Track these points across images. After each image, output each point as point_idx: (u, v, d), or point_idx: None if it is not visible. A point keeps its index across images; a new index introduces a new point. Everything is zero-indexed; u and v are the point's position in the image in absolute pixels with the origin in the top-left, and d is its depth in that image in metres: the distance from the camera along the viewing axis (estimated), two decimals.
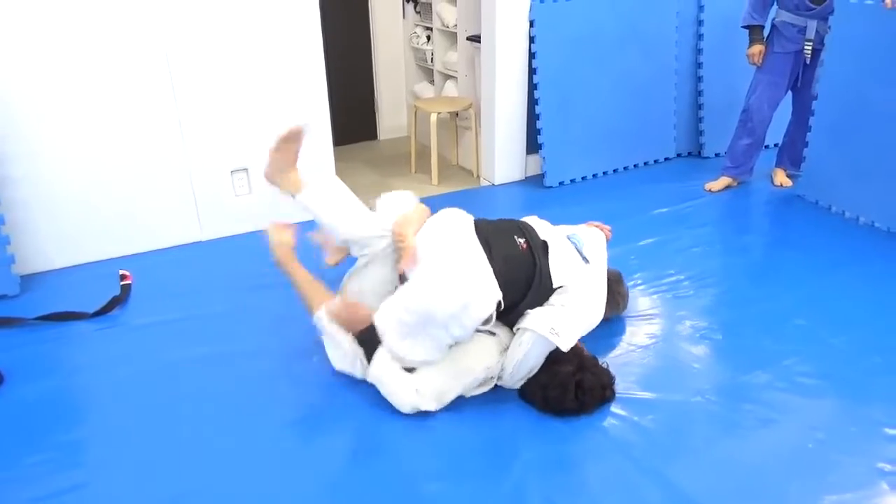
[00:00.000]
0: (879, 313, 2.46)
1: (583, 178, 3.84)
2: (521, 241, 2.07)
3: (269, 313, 2.55)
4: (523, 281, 1.99)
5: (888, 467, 1.75)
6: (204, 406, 2.05)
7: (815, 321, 2.42)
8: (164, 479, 1.77)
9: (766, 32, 3.44)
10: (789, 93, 3.54)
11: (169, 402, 2.07)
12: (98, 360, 2.29)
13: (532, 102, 3.63)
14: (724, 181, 3.64)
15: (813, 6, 3.21)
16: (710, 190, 3.62)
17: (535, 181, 3.83)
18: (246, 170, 3.15)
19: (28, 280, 2.79)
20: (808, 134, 3.38)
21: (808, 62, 3.36)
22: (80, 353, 2.35)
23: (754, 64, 3.43)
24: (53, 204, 2.82)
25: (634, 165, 4.01)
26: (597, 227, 2.40)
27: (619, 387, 2.04)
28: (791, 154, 3.66)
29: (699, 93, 4.03)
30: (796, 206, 3.45)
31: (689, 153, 4.21)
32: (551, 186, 3.73)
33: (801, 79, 3.42)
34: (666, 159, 4.11)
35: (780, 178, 3.70)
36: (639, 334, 2.37)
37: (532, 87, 3.60)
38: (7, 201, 2.70)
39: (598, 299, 2.11)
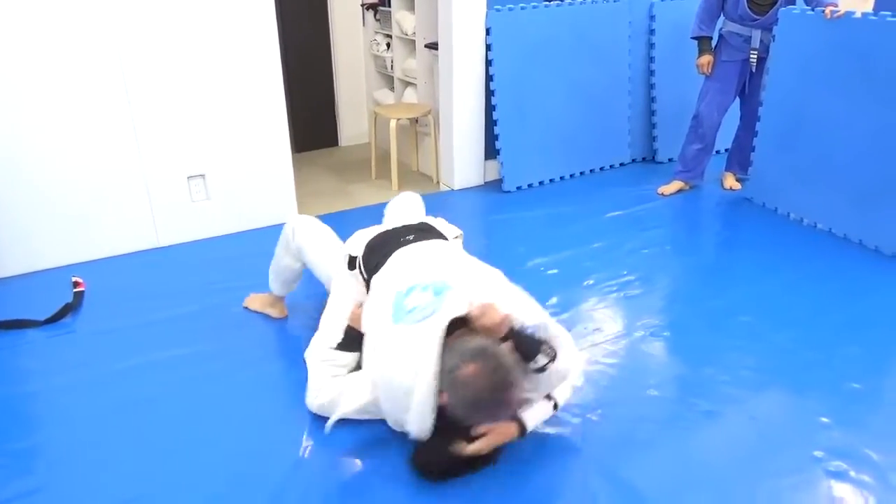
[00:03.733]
0: (819, 310, 2.57)
1: (540, 183, 3.91)
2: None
3: (225, 317, 2.55)
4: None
5: (821, 454, 1.84)
6: (159, 410, 2.05)
7: (759, 318, 2.52)
8: (118, 483, 1.76)
9: (714, 42, 3.56)
10: (737, 99, 3.66)
11: (123, 408, 2.06)
12: (50, 368, 2.26)
13: (490, 109, 3.70)
14: (676, 185, 3.75)
15: (757, 17, 3.34)
16: (662, 193, 3.72)
17: (493, 186, 3.89)
18: (203, 176, 3.14)
19: None
20: (755, 139, 3.51)
21: (753, 70, 3.49)
22: (31, 360, 2.31)
23: (703, 73, 3.55)
24: (4, 209, 2.77)
25: (591, 170, 4.10)
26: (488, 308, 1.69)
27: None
28: (739, 159, 3.79)
29: (652, 99, 4.15)
30: (744, 208, 3.57)
31: (644, 158, 4.32)
32: (509, 191, 3.80)
33: (748, 86, 3.55)
34: (621, 164, 4.21)
35: (730, 181, 3.83)
36: (588, 332, 2.42)
37: (489, 93, 3.66)
38: None
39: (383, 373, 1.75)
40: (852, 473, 1.77)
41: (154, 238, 3.12)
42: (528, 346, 1.64)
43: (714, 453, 1.86)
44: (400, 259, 1.98)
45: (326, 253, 2.28)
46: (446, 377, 1.58)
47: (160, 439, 1.92)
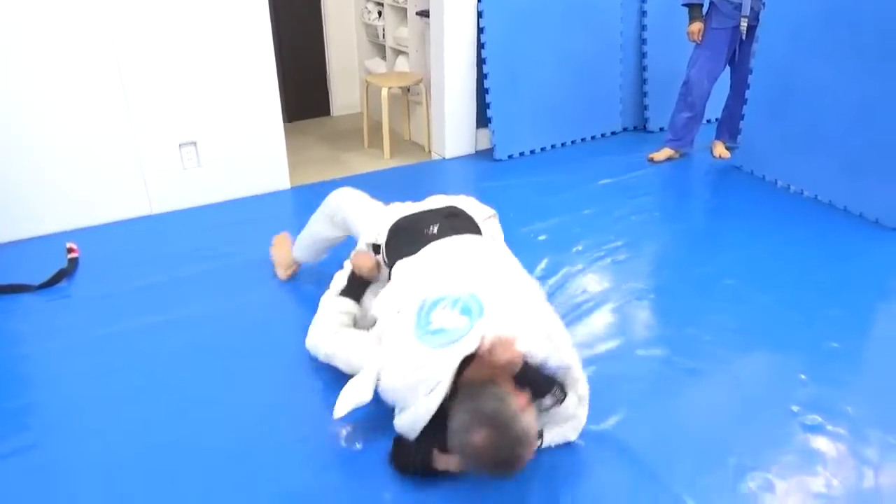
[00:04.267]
0: (802, 274, 2.62)
1: (531, 152, 3.93)
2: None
3: (219, 282, 2.58)
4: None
5: (798, 409, 1.89)
6: (154, 371, 2.09)
7: (744, 281, 2.56)
8: (112, 440, 1.81)
9: (704, 10, 3.56)
10: (727, 68, 3.67)
11: (118, 369, 2.10)
12: (45, 331, 2.30)
13: (481, 77, 3.70)
14: (666, 152, 3.77)
15: None
16: (652, 160, 3.75)
17: (485, 155, 3.91)
18: (194, 143, 3.14)
19: None
20: (745, 107, 3.52)
21: (743, 38, 3.49)
22: (26, 324, 2.34)
23: (694, 41, 3.55)
24: None
25: (582, 139, 4.12)
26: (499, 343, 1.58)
27: None
28: (729, 127, 3.81)
29: (643, 68, 4.15)
30: (733, 176, 3.60)
31: (635, 127, 4.33)
32: (500, 159, 3.81)
33: (738, 54, 3.56)
34: (612, 133, 4.23)
35: (719, 150, 3.85)
36: (576, 297, 2.46)
37: (481, 61, 3.66)
38: None
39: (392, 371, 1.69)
40: (828, 427, 1.83)
41: (147, 206, 3.13)
42: (539, 385, 1.59)
43: (697, 409, 1.92)
44: (430, 257, 1.89)
45: (369, 219, 2.24)
46: (455, 436, 1.49)
47: (155, 399, 1.97)
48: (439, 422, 1.55)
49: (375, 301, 1.92)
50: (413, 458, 1.64)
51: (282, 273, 2.58)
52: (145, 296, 2.49)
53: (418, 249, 1.93)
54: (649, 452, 1.74)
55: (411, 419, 1.62)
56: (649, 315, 2.39)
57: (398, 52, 4.42)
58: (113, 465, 1.73)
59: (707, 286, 2.54)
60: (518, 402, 1.49)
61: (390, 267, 1.99)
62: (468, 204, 2.23)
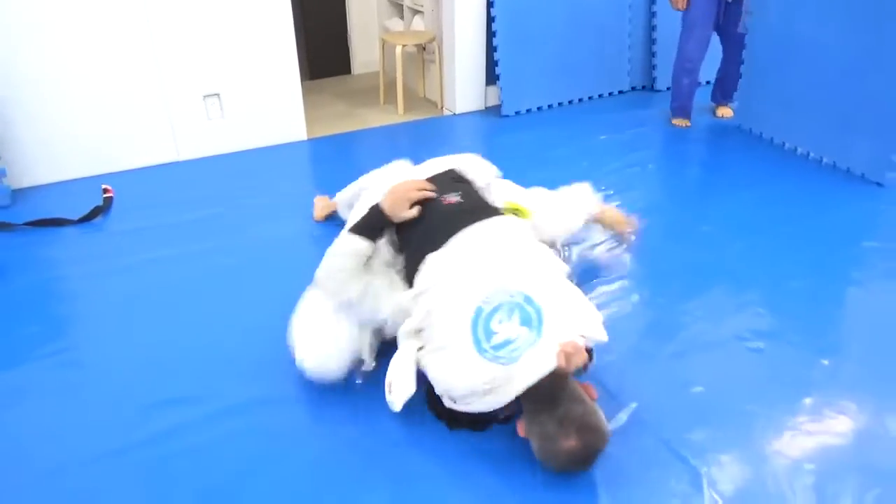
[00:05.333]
0: (780, 224, 2.75)
1: (538, 109, 4.08)
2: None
3: (240, 220, 2.85)
4: None
5: (748, 335, 2.09)
6: (177, 291, 2.37)
7: (721, 228, 2.73)
8: (140, 345, 2.10)
9: None
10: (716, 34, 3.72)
11: (145, 288, 2.39)
12: (82, 257, 2.60)
13: (490, 36, 3.85)
14: (683, 122, 3.84)
15: None
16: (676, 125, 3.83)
17: (493, 111, 4.08)
18: (218, 95, 3.39)
19: (18, 193, 3.07)
20: (741, 68, 3.61)
21: (730, 0, 3.54)
22: (66, 251, 2.65)
23: (678, 9, 3.61)
24: (40, 125, 3.07)
25: (589, 98, 4.25)
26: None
27: None
28: (722, 89, 3.90)
29: (652, 28, 4.24)
30: (731, 134, 3.71)
31: (643, 87, 4.43)
32: (508, 115, 3.98)
33: (724, 17, 3.59)
34: (620, 92, 4.34)
35: (722, 110, 3.94)
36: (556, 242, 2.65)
37: (490, 20, 3.81)
38: None
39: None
40: (768, 351, 2.02)
41: (175, 153, 3.41)
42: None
43: (652, 335, 2.11)
44: (463, 253, 1.78)
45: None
46: (545, 443, 1.55)
47: (176, 312, 2.25)
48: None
49: (404, 298, 1.80)
50: (444, 413, 1.72)
51: (317, 213, 2.81)
52: (172, 231, 2.77)
53: (444, 239, 1.81)
54: (610, 373, 1.95)
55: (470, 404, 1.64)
56: (627, 255, 2.57)
57: (415, 12, 4.57)
58: (138, 363, 2.02)
59: (684, 232, 2.71)
60: (591, 397, 1.61)
61: (402, 251, 1.92)
62: (469, 165, 2.22)
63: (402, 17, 4.81)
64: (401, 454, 1.70)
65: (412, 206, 1.87)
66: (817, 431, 1.75)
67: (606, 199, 2.96)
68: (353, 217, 2.06)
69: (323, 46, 4.84)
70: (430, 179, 2.02)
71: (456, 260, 1.76)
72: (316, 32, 4.74)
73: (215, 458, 1.69)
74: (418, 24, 4.52)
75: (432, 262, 1.78)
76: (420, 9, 4.44)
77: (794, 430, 1.74)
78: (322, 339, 1.82)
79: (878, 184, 3.01)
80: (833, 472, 1.62)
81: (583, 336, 1.64)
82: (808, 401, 1.84)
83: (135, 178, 3.27)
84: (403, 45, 4.07)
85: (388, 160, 2.45)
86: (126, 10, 3.06)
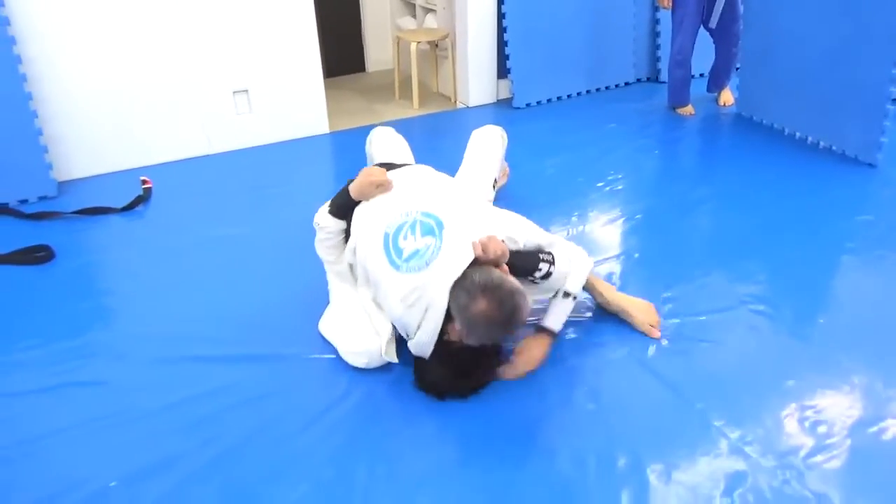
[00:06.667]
0: (777, 201, 2.93)
1: (548, 100, 4.27)
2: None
3: (268, 206, 3.04)
4: None
5: (749, 299, 2.27)
6: (210, 269, 2.58)
7: (723, 206, 2.91)
8: (181, 314, 2.31)
9: None
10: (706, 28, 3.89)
11: (183, 267, 2.61)
12: (126, 241, 2.81)
13: (501, 31, 4.04)
14: (687, 109, 4.02)
15: None
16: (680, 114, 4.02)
17: (505, 103, 4.27)
18: (246, 91, 3.59)
19: (63, 185, 3.28)
20: (736, 58, 3.82)
21: None
22: (111, 236, 2.86)
23: (665, 7, 3.80)
24: (82, 121, 3.28)
25: (597, 89, 4.43)
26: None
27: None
28: (716, 80, 4.09)
29: (656, 21, 4.42)
30: (732, 120, 3.89)
31: (648, 78, 4.62)
32: (519, 107, 4.17)
33: (706, 10, 3.76)
34: (626, 84, 4.53)
35: (724, 97, 4.12)
36: (569, 220, 2.84)
37: (501, 16, 4.00)
38: (43, 117, 3.16)
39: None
40: (769, 311, 2.20)
41: (206, 146, 3.61)
42: (527, 262, 1.84)
43: (659, 298, 2.29)
44: (381, 196, 2.02)
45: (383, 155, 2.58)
46: (458, 314, 1.68)
47: (216, 290, 2.44)
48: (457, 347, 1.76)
49: (347, 251, 2.05)
50: (431, 379, 1.86)
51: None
52: (206, 217, 2.97)
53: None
54: (612, 336, 2.14)
55: (420, 343, 1.81)
56: (632, 231, 2.75)
57: (427, 10, 4.77)
58: (171, 327, 2.24)
59: (688, 209, 2.90)
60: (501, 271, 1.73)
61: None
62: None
63: (414, 16, 5.00)
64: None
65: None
66: (811, 376, 1.92)
67: (613, 181, 3.16)
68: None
69: (338, 46, 5.04)
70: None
71: (372, 203, 2.01)
72: (331, 32, 4.93)
73: (261, 407, 1.88)
74: (430, 21, 4.71)
75: (357, 212, 2.04)
76: (433, 7, 4.64)
77: (793, 377, 1.92)
78: (364, 337, 1.97)
79: (871, 164, 3.18)
80: (826, 409, 1.80)
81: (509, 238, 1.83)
82: (804, 352, 2.02)
83: (170, 169, 3.48)
84: (418, 43, 4.27)
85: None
86: (161, 13, 3.26)
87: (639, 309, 2.15)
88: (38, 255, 2.66)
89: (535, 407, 1.86)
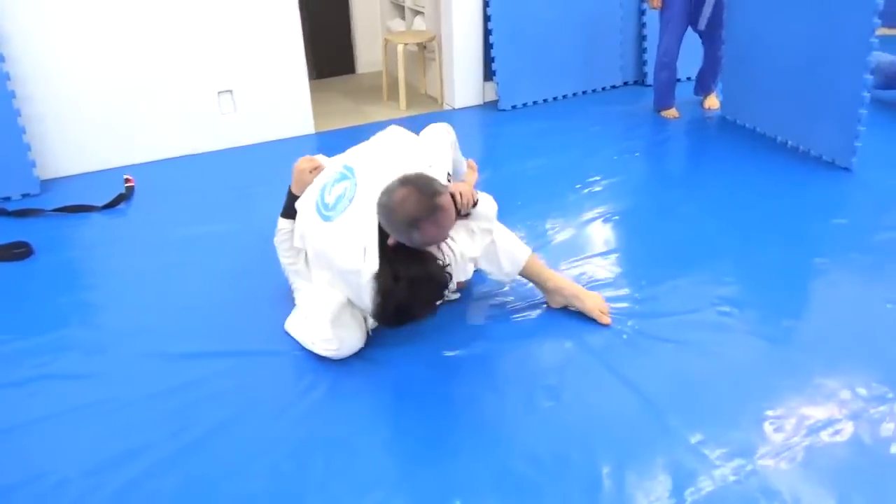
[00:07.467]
0: (753, 203, 2.94)
1: (534, 103, 4.29)
2: None
3: (250, 205, 3.06)
4: None
5: (717, 300, 2.28)
6: (195, 266, 2.60)
7: (700, 208, 2.93)
8: (159, 308, 2.33)
9: None
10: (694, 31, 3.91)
11: (162, 262, 2.63)
12: (107, 238, 2.84)
13: (487, 33, 4.06)
14: (671, 112, 4.04)
15: None
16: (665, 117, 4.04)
17: (492, 105, 4.29)
18: (231, 91, 3.62)
19: (46, 183, 3.30)
20: (721, 62, 3.84)
21: None
22: (93, 233, 2.89)
23: (654, 8, 3.82)
24: (66, 120, 3.31)
25: (583, 92, 4.45)
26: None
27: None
28: (702, 83, 4.12)
29: (643, 25, 4.44)
30: (716, 124, 3.91)
31: (635, 81, 4.64)
32: (505, 109, 4.19)
33: (695, 12, 3.78)
34: (613, 87, 4.55)
35: (709, 101, 4.13)
36: (545, 221, 2.85)
37: (486, 18, 4.02)
38: (27, 116, 3.19)
39: None
40: (735, 313, 2.21)
41: (190, 145, 3.64)
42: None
43: (629, 299, 2.31)
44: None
45: None
46: (385, 218, 1.82)
47: (193, 286, 2.47)
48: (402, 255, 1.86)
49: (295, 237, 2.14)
50: (391, 300, 1.84)
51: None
52: (188, 215, 3.00)
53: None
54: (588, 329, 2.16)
55: (369, 267, 1.85)
56: (610, 232, 2.77)
57: (416, 12, 4.79)
58: (155, 326, 2.25)
59: (665, 211, 2.91)
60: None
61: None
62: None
63: (403, 18, 5.03)
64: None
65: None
66: (772, 378, 1.94)
67: (593, 183, 3.18)
68: None
69: (328, 47, 5.07)
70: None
71: (310, 187, 2.10)
72: (322, 34, 4.97)
73: (230, 401, 1.90)
74: (419, 24, 4.74)
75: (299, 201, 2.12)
76: (421, 9, 4.66)
77: (754, 379, 1.93)
78: (349, 325, 2.03)
79: (846, 168, 3.19)
80: (785, 411, 1.82)
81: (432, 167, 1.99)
82: (768, 354, 2.03)
83: (155, 168, 3.50)
84: (405, 45, 4.29)
85: None
86: (147, 13, 3.29)
87: (588, 295, 2.22)
88: (16, 252, 2.69)
89: (493, 404, 1.87)
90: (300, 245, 2.12)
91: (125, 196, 3.17)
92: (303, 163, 2.15)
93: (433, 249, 1.91)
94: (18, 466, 1.70)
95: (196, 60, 3.48)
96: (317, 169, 2.13)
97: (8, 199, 3.15)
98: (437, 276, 1.88)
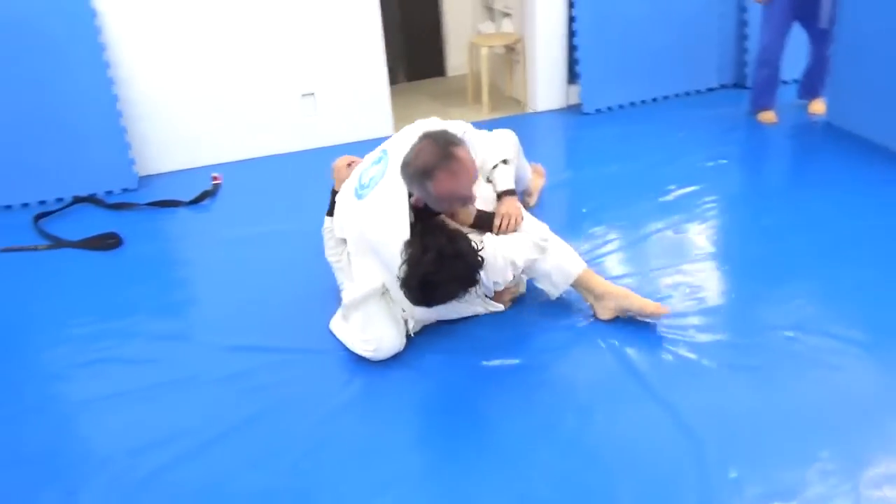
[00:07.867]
0: (846, 219, 2.66)
1: (620, 106, 4.12)
2: None
3: (325, 207, 3.11)
4: None
5: (788, 328, 2.08)
6: (273, 260, 2.72)
7: (785, 223, 2.67)
8: (237, 299, 2.47)
9: None
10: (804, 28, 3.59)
11: (242, 255, 2.79)
12: (192, 231, 3.07)
13: (571, 35, 3.95)
14: (768, 116, 3.75)
15: None
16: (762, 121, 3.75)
17: (575, 109, 4.17)
18: (313, 94, 3.75)
19: (144, 179, 3.59)
20: (829, 62, 3.49)
21: None
22: (176, 228, 3.11)
23: (760, 1, 3.52)
24: (162, 122, 3.57)
25: (675, 95, 4.22)
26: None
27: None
28: (809, 85, 3.76)
29: (744, 22, 4.14)
30: (819, 131, 3.57)
31: (735, 84, 4.34)
32: (588, 113, 4.06)
33: (804, 9, 3.47)
34: (708, 89, 4.28)
35: (814, 106, 3.78)
36: (613, 231, 2.73)
37: (570, 19, 3.91)
38: (128, 117, 3.47)
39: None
40: (804, 340, 2.01)
41: (274, 146, 3.81)
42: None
43: (706, 318, 2.16)
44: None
45: None
46: (402, 169, 1.92)
47: (271, 279, 2.58)
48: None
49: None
50: (413, 273, 1.88)
51: None
52: (268, 212, 3.15)
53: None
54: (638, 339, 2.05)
55: (399, 232, 1.92)
56: (679, 245, 2.59)
57: (504, 15, 4.75)
58: (217, 310, 2.41)
59: (746, 225, 2.71)
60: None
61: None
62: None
63: (493, 21, 5.00)
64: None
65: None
66: (829, 412, 1.74)
67: (671, 192, 3.00)
68: None
69: (420, 51, 5.14)
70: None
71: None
72: (412, 37, 5.04)
73: (267, 395, 1.97)
74: (507, 26, 4.69)
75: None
76: (509, 11, 4.61)
77: (809, 409, 1.75)
78: (387, 326, 2.04)
79: None
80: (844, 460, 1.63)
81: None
82: (831, 387, 1.83)
83: (241, 168, 3.70)
84: (490, 47, 4.26)
85: None
86: (236, 22, 3.48)
87: (639, 296, 2.13)
88: (108, 242, 2.93)
89: (521, 420, 1.81)
90: (340, 234, 2.17)
91: (210, 192, 3.36)
92: (340, 161, 2.28)
93: (467, 230, 2.01)
94: (64, 447, 1.85)
95: (281, 65, 3.64)
96: (353, 163, 2.23)
97: (110, 192, 3.44)
98: (466, 254, 1.89)
